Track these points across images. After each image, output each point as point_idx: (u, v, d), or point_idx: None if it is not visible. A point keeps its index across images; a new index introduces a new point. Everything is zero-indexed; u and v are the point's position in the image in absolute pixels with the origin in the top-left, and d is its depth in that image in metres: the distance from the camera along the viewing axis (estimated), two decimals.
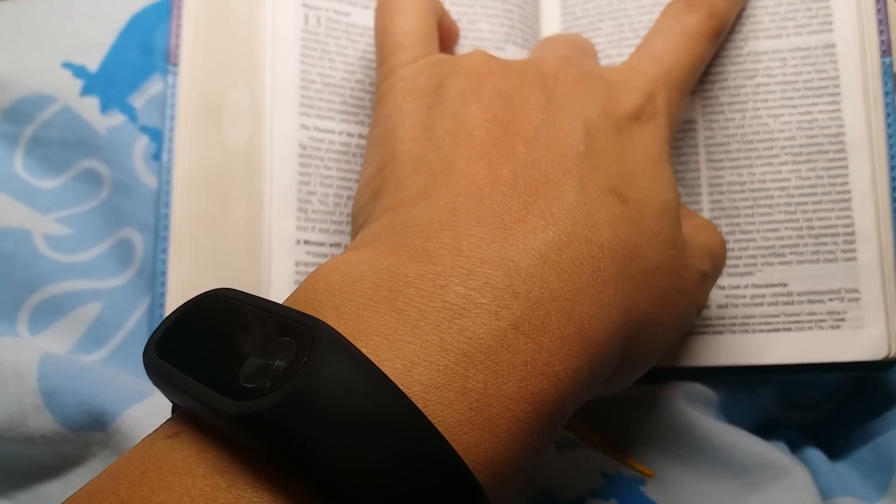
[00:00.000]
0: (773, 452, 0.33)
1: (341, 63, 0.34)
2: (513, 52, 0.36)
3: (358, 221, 0.28)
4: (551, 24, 0.38)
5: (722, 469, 0.33)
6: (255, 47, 0.34)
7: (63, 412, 0.30)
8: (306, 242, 0.32)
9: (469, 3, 0.36)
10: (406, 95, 0.29)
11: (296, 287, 0.31)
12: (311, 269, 0.32)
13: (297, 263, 0.32)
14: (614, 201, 0.25)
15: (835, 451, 0.35)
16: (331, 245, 0.33)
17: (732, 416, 0.35)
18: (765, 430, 0.35)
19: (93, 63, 0.36)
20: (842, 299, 0.33)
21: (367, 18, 0.35)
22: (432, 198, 0.24)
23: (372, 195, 0.27)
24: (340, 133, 0.34)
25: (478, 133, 0.26)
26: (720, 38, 0.33)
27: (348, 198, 0.33)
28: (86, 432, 0.31)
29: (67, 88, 0.35)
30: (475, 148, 0.25)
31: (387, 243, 0.23)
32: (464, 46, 0.35)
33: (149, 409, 0.31)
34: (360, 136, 0.34)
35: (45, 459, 0.31)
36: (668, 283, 0.26)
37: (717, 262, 0.30)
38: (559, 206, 0.24)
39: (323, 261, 0.32)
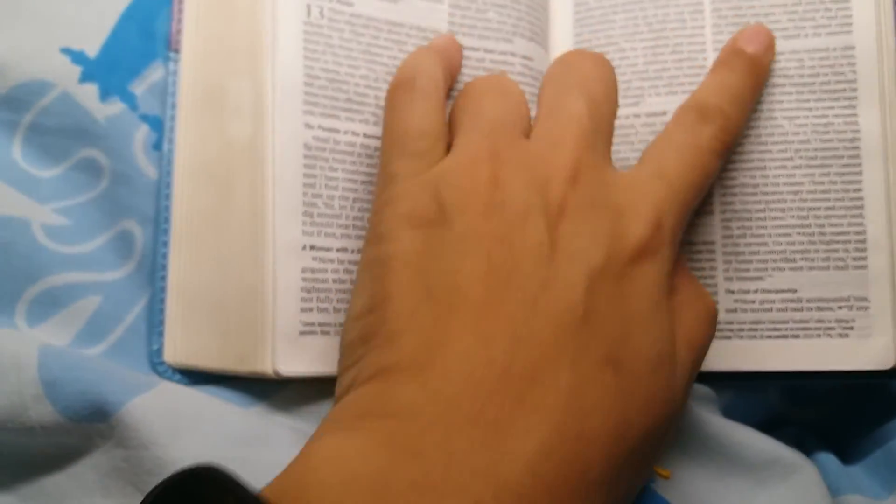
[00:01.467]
0: (781, 449, 0.33)
1: (345, 57, 0.33)
2: (521, 45, 0.35)
3: (347, 361, 0.27)
4: (562, 17, 0.37)
5: (731, 467, 0.33)
6: (258, 37, 0.33)
7: (64, 402, 0.30)
8: (312, 248, 0.31)
9: None
10: (404, 219, 0.27)
11: (302, 295, 0.31)
12: (318, 276, 0.31)
13: (304, 270, 0.31)
14: (608, 374, 0.25)
15: (842, 449, 0.35)
16: (337, 250, 0.32)
17: (738, 413, 0.35)
18: (771, 427, 0.35)
19: (92, 48, 0.35)
20: (851, 307, 0.33)
21: (370, 9, 0.34)
22: (425, 374, 0.24)
23: (362, 338, 0.27)
24: (346, 132, 0.33)
25: (474, 293, 0.25)
26: (730, 153, 0.32)
27: (354, 200, 0.32)
28: (87, 423, 0.30)
29: (65, 74, 0.34)
30: (471, 313, 0.25)
31: (379, 432, 0.23)
32: (472, 36, 0.35)
33: (152, 401, 0.30)
34: (364, 134, 0.33)
35: (47, 451, 0.31)
36: (658, 443, 0.27)
37: (702, 353, 0.30)
38: (553, 394, 0.24)
39: (331, 267, 0.32)
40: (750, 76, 0.33)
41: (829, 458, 0.34)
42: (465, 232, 0.26)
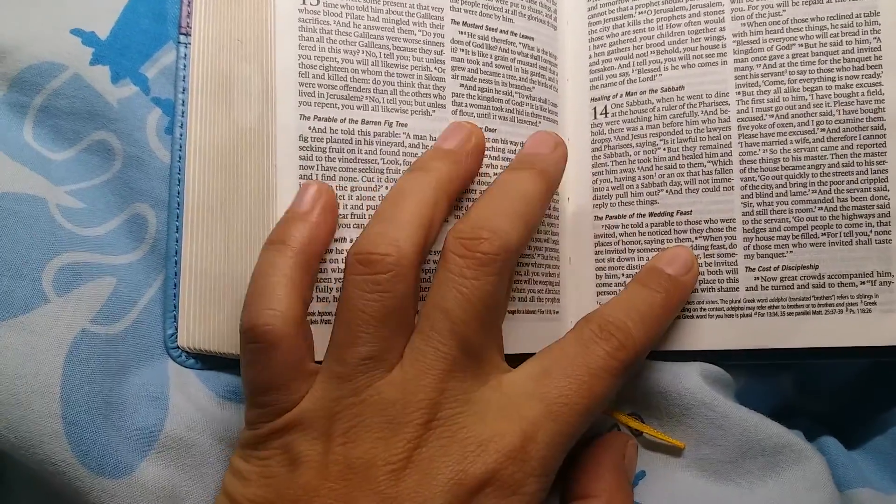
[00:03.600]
0: (792, 437, 0.33)
1: (342, 43, 0.32)
2: (520, 24, 0.35)
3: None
4: None
5: (744, 448, 0.33)
6: (263, 23, 0.32)
7: (82, 448, 0.30)
8: None
9: None
10: (259, 466, 0.29)
11: None
12: (320, 268, 0.31)
13: None
14: None
15: (851, 441, 0.35)
16: (337, 240, 0.32)
17: (751, 400, 0.35)
18: (781, 416, 0.34)
19: (103, 30, 0.34)
20: (874, 282, 0.32)
21: None
22: None
23: None
24: (342, 121, 0.32)
25: None
26: (630, 371, 0.30)
27: (352, 189, 0.32)
28: (98, 476, 0.30)
29: (77, 56, 0.34)
30: None
31: None
32: (473, 13, 0.34)
33: (158, 467, 0.31)
34: (362, 121, 0.32)
35: (59, 488, 0.30)
36: None
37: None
38: None
39: (329, 257, 0.31)
40: (665, 296, 0.32)
41: (838, 450, 0.33)
42: (308, 486, 0.27)
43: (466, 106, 0.34)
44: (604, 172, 0.35)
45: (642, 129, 0.34)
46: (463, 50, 0.34)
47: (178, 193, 0.34)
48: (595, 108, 0.35)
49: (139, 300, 0.33)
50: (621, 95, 0.35)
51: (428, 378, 0.28)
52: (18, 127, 0.33)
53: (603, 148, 0.35)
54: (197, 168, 0.34)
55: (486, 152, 0.33)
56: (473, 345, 0.28)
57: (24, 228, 0.31)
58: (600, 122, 0.35)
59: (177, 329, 0.33)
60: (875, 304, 0.32)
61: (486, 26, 0.34)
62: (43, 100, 0.33)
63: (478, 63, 0.34)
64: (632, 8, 0.35)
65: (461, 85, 0.34)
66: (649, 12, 0.34)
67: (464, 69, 0.34)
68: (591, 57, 0.36)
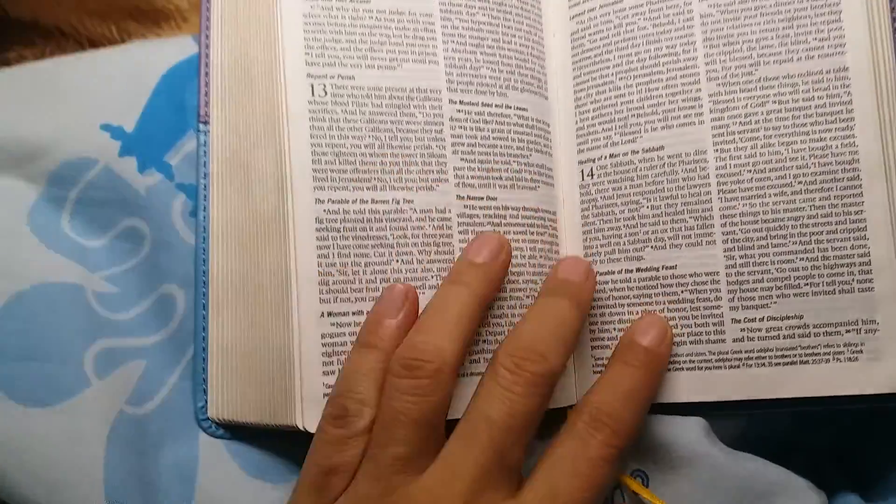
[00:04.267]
0: (791, 477, 0.33)
1: (350, 130, 0.35)
2: (514, 97, 0.37)
3: None
4: (560, 61, 0.38)
5: (740, 496, 0.33)
6: (275, 112, 0.35)
7: None
8: (330, 314, 0.33)
9: (471, 50, 0.36)
10: None
11: (323, 360, 0.33)
12: (337, 340, 0.33)
13: (324, 336, 0.33)
14: None
15: (863, 479, 0.35)
16: (353, 314, 0.34)
17: (751, 441, 0.35)
18: (784, 453, 0.35)
19: (129, 123, 0.37)
20: (859, 331, 0.33)
21: (371, 79, 0.35)
22: None
23: None
24: (354, 201, 0.34)
25: None
26: (626, 453, 0.32)
27: (366, 264, 0.34)
28: None
29: (107, 150, 0.37)
30: None
31: None
32: (469, 92, 0.36)
33: None
34: (372, 200, 0.34)
35: None
36: None
37: None
38: None
39: (348, 331, 0.33)
40: (645, 370, 0.33)
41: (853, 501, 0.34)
42: None
43: (468, 178, 0.36)
44: (592, 231, 0.37)
45: (626, 188, 0.36)
46: (461, 127, 0.36)
47: (204, 273, 0.36)
48: (582, 171, 0.37)
49: (168, 379, 0.36)
50: (605, 157, 0.36)
51: (459, 485, 0.29)
52: (57, 219, 0.36)
53: (591, 207, 0.37)
54: (220, 249, 0.36)
55: (490, 219, 0.35)
56: (507, 459, 0.30)
57: (65, 316, 0.35)
58: (587, 184, 0.37)
59: (206, 401, 0.36)
60: (861, 352, 0.33)
61: (482, 102, 0.36)
62: (78, 192, 0.37)
63: (476, 137, 0.36)
64: (612, 74, 0.36)
65: (462, 159, 0.36)
66: (629, 77, 0.36)
67: (463, 144, 0.36)
68: (577, 122, 0.37)
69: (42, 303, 0.34)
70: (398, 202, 0.35)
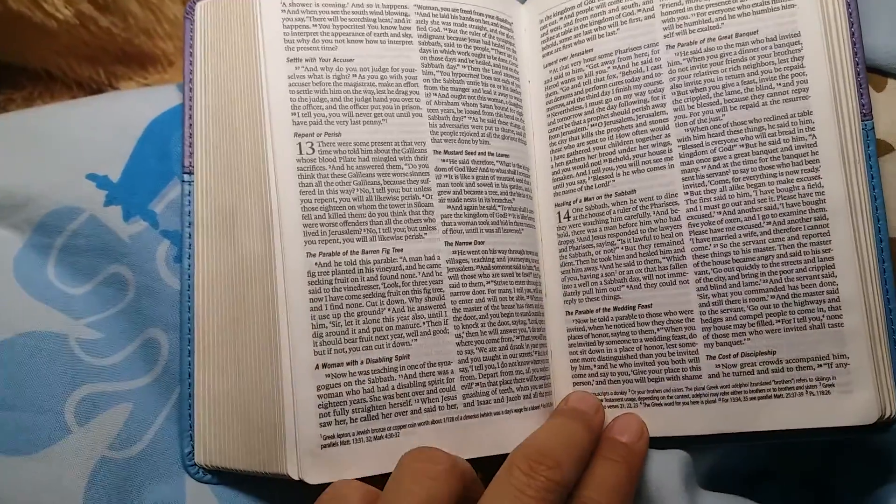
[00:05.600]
0: None
1: (338, 185, 0.35)
2: (496, 144, 0.38)
3: None
4: (536, 108, 0.39)
5: None
6: (261, 163, 0.35)
7: None
8: (325, 366, 0.34)
9: (453, 101, 0.37)
10: None
11: (320, 412, 0.33)
12: (333, 391, 0.34)
13: (319, 388, 0.34)
14: None
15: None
16: (347, 364, 0.34)
17: (726, 469, 0.36)
18: (759, 480, 0.36)
19: (114, 173, 0.38)
20: (830, 365, 0.34)
21: (357, 135, 0.36)
22: None
23: None
24: (345, 253, 0.35)
25: None
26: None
27: (358, 314, 0.35)
28: None
29: (92, 199, 0.37)
30: None
31: None
32: (452, 142, 0.37)
33: None
34: (362, 251, 0.35)
35: None
36: None
37: None
38: None
39: (343, 381, 0.34)
40: (626, 465, 0.34)
41: None
42: None
43: (455, 225, 0.37)
44: (570, 271, 0.37)
45: (601, 230, 0.37)
46: (447, 175, 0.37)
47: (189, 319, 0.37)
48: (559, 213, 0.38)
49: (154, 421, 0.36)
50: (580, 201, 0.37)
51: None
52: (42, 267, 0.37)
53: (568, 248, 0.38)
54: (205, 295, 0.37)
55: (478, 263, 0.36)
56: None
57: (46, 365, 0.35)
58: (564, 226, 0.38)
59: (193, 447, 0.36)
60: (833, 385, 0.34)
61: (465, 151, 0.37)
62: (63, 240, 0.37)
63: (461, 185, 0.37)
64: (585, 120, 0.38)
65: (448, 206, 0.37)
66: (600, 123, 0.37)
67: (449, 192, 0.37)
68: (552, 167, 0.38)
69: (25, 352, 0.35)
70: (388, 251, 0.35)
